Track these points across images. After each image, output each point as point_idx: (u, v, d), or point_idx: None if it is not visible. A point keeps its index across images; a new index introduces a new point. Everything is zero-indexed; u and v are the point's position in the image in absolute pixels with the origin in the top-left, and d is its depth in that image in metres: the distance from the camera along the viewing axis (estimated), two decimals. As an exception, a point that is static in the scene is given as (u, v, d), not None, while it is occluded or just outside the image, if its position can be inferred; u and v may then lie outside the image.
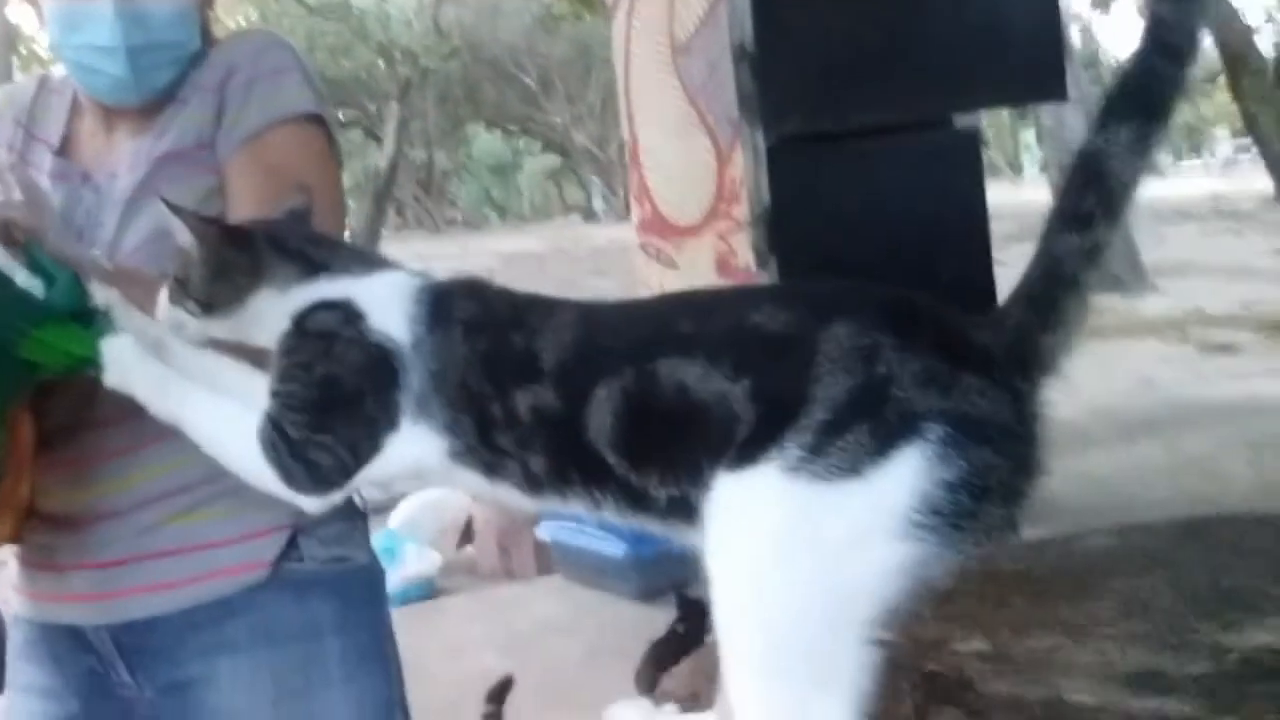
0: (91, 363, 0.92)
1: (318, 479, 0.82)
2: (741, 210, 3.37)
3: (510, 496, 0.82)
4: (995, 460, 0.71)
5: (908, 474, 0.69)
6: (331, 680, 1.10)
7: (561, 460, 0.78)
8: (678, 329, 0.77)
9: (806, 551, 0.69)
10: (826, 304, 0.76)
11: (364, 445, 0.81)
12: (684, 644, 2.34)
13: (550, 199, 34.11)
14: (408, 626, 1.20)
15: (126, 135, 1.15)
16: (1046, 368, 0.75)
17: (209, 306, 0.87)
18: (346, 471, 0.82)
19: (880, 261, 3.25)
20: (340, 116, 22.66)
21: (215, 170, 1.10)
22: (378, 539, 4.38)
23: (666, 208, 3.68)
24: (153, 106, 1.14)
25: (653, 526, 0.78)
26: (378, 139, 22.43)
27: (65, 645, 1.13)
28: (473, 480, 0.83)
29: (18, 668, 1.17)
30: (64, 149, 1.17)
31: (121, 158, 1.13)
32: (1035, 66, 3.08)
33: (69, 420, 1.08)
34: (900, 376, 0.71)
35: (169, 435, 1.06)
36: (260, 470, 0.84)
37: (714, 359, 0.74)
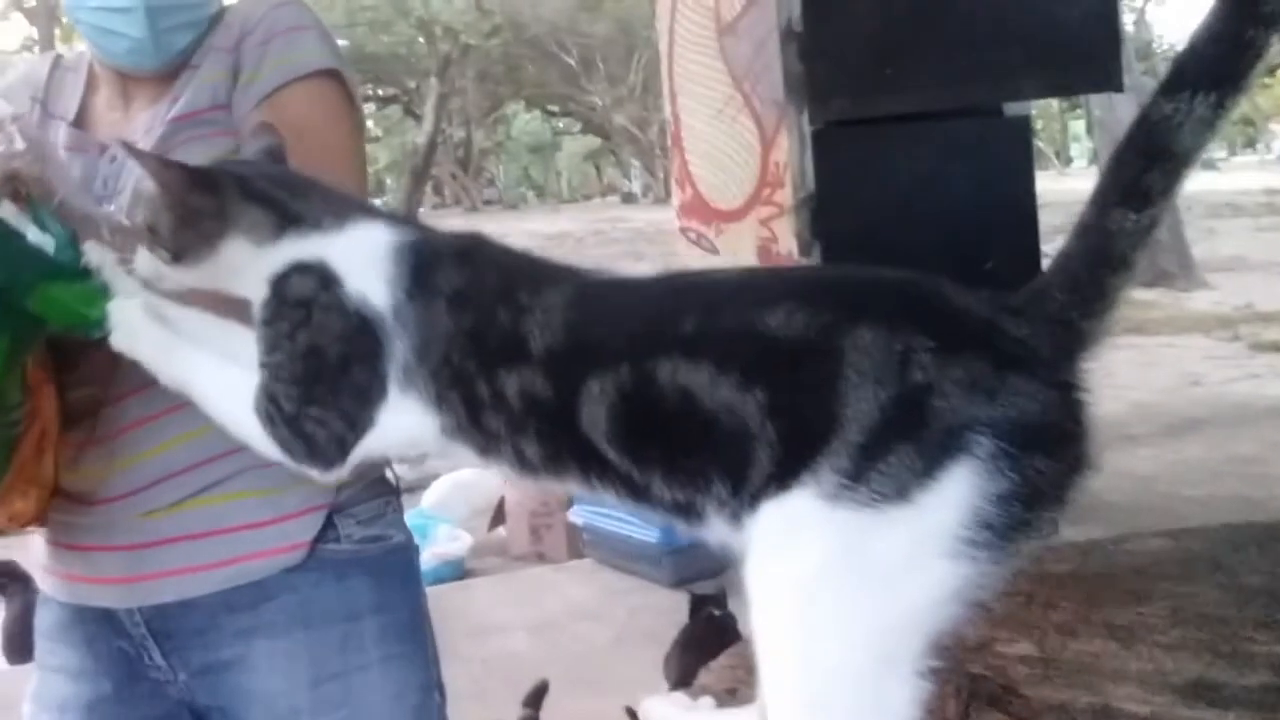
0: (99, 322, 0.91)
1: (316, 452, 0.80)
2: (785, 195, 3.35)
3: (508, 475, 0.79)
4: (1048, 465, 0.66)
5: (958, 492, 0.64)
6: (369, 661, 1.10)
7: (555, 446, 0.75)
8: (680, 325, 0.72)
9: (852, 583, 0.65)
10: (848, 301, 0.70)
11: (359, 417, 0.79)
12: (719, 637, 2.33)
13: (589, 180, 34.10)
14: (438, 606, 1.19)
15: (143, 104, 1.14)
16: (1089, 355, 0.69)
17: (179, 254, 0.84)
18: (343, 445, 0.80)
19: (925, 250, 3.21)
20: (379, 93, 22.71)
21: (232, 131, 1.09)
22: (409, 518, 4.42)
23: (708, 191, 3.66)
24: (169, 73, 1.13)
25: (655, 518, 0.75)
26: (416, 116, 22.48)
27: (96, 627, 1.12)
28: (469, 457, 0.80)
29: (47, 648, 1.17)
30: (80, 122, 1.17)
31: (138, 126, 1.13)
32: (1090, 55, 3.03)
33: (90, 397, 1.08)
34: (940, 384, 0.65)
35: (187, 407, 1.06)
36: (264, 443, 0.82)
37: (722, 365, 0.69)
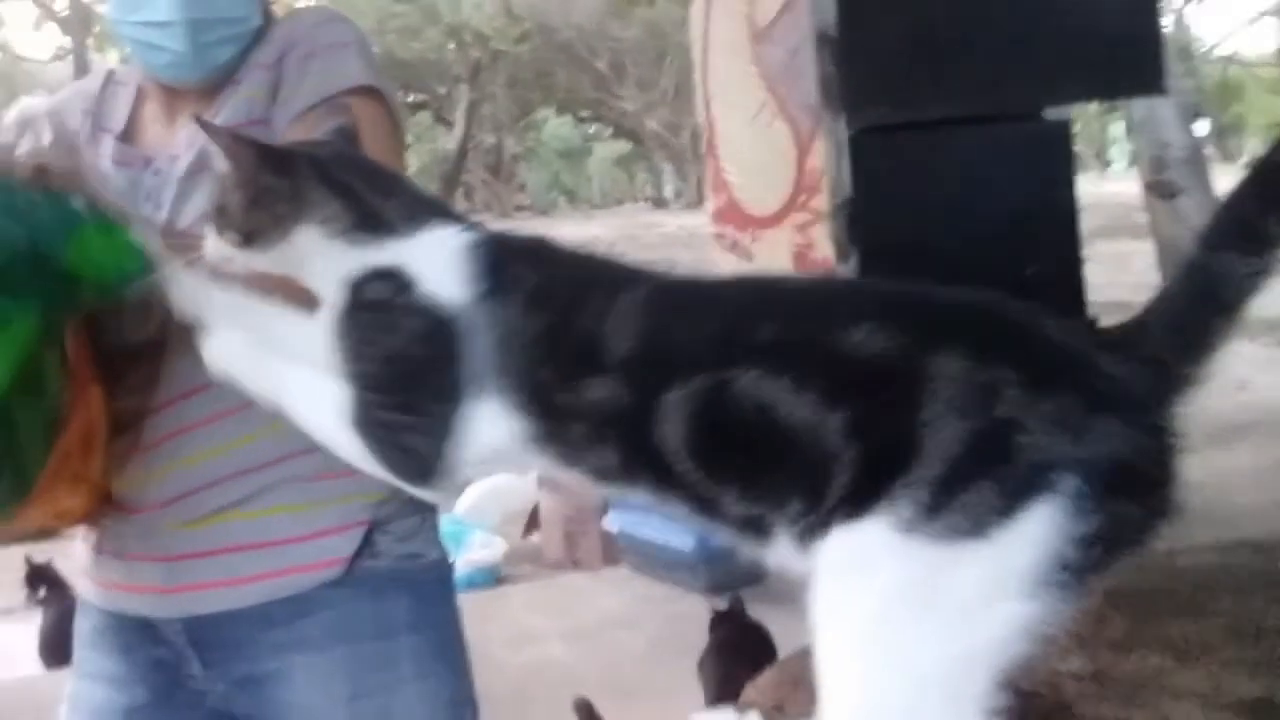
0: (139, 274, 0.91)
1: (419, 465, 0.78)
2: (821, 201, 3.33)
3: (582, 483, 0.78)
4: (1132, 509, 0.64)
5: (1038, 533, 0.62)
6: (405, 678, 1.11)
7: (632, 456, 0.73)
8: (759, 334, 0.70)
9: (921, 616, 0.63)
10: (933, 323, 0.68)
11: (452, 422, 0.76)
12: (753, 646, 2.32)
13: (620, 185, 34.11)
14: (472, 614, 1.20)
15: (187, 118, 1.15)
16: (1183, 400, 0.66)
17: (249, 237, 0.82)
18: (441, 453, 0.77)
19: (966, 256, 3.18)
20: (410, 99, 22.84)
21: None
22: (443, 524, 4.43)
23: (743, 197, 3.65)
24: (213, 87, 1.14)
25: (722, 534, 0.73)
26: (447, 122, 22.59)
27: (135, 635, 1.14)
28: (546, 466, 0.79)
29: (85, 655, 1.18)
30: (128, 136, 1.19)
31: (181, 140, 1.14)
32: (1131, 58, 2.99)
33: (137, 406, 1.09)
34: (1026, 420, 0.63)
35: (226, 415, 1.07)
36: (364, 458, 0.81)
37: (803, 381, 0.67)
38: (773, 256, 3.52)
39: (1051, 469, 0.63)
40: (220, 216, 0.84)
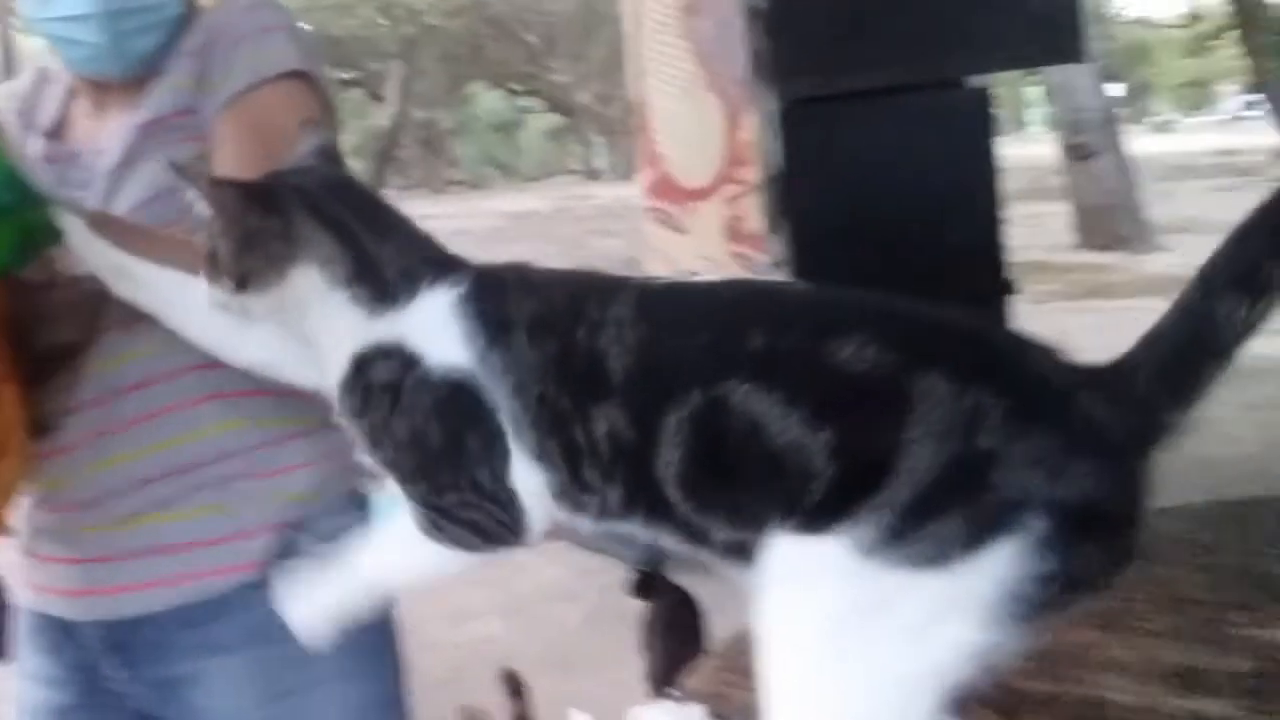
0: (45, 238, 0.88)
1: (491, 534, 0.74)
2: (752, 173, 3.32)
3: (583, 524, 0.74)
4: (1097, 553, 0.62)
5: (999, 568, 0.60)
6: (324, 679, 1.07)
7: (634, 494, 0.70)
8: (750, 342, 0.66)
9: (871, 638, 0.62)
10: (923, 341, 0.65)
11: (506, 482, 0.72)
12: (691, 621, 2.31)
13: (553, 158, 33.91)
14: (409, 593, 1.17)
15: (116, 112, 1.11)
16: (1166, 445, 0.64)
17: (243, 281, 0.77)
18: (511, 515, 0.73)
19: (893, 223, 3.20)
20: (342, 76, 22.44)
21: (200, 136, 1.06)
22: (380, 504, 4.38)
23: (676, 171, 3.62)
24: (139, 79, 1.10)
25: (708, 561, 0.70)
26: (380, 98, 22.25)
27: (60, 636, 1.11)
28: (565, 519, 0.75)
29: (25, 654, 1.16)
30: (58, 132, 1.14)
31: (110, 134, 1.09)
32: (1051, 27, 3.01)
33: (58, 406, 1.05)
34: (1006, 455, 0.60)
35: (148, 418, 1.03)
36: (444, 554, 0.76)
37: (794, 398, 0.64)
38: (705, 229, 3.51)
39: (1022, 507, 0.61)
40: (211, 265, 0.79)
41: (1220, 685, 0.85)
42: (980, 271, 3.49)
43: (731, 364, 0.66)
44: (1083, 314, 7.67)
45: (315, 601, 0.83)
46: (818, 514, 0.63)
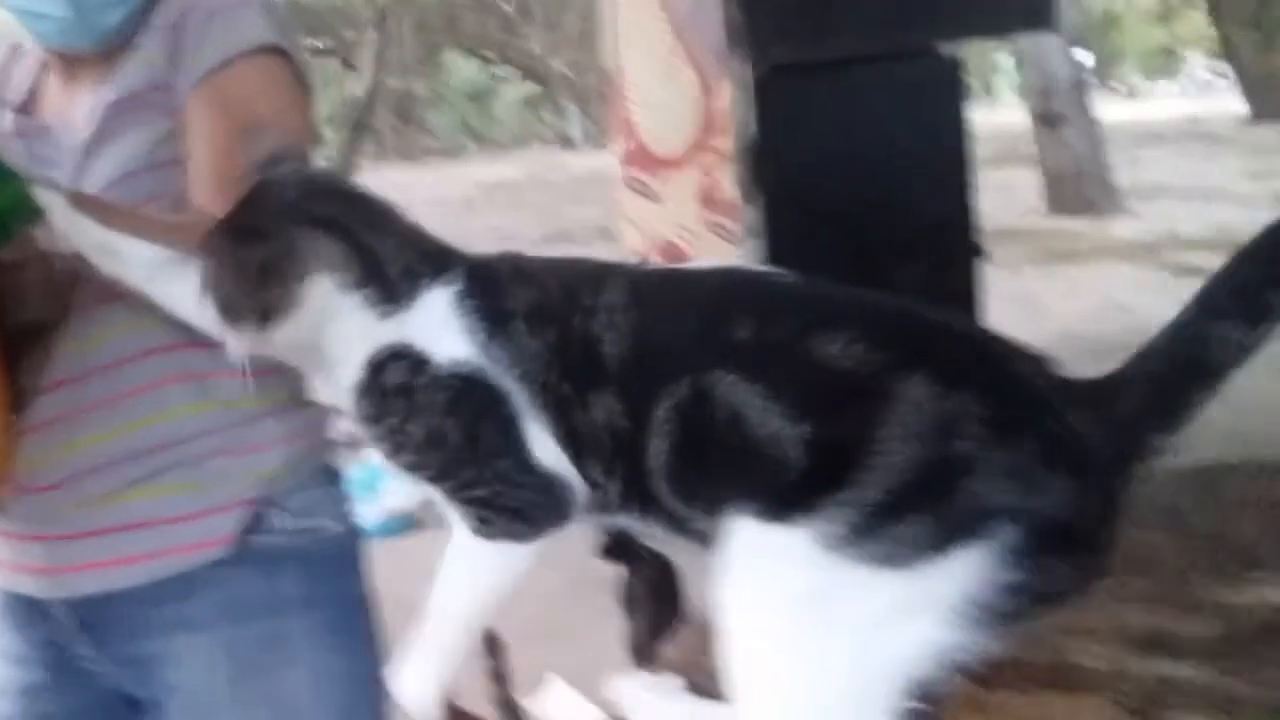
0: (22, 216, 0.86)
1: (533, 519, 0.73)
2: (726, 143, 3.30)
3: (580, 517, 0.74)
4: (1065, 568, 0.62)
5: (963, 573, 0.59)
6: (296, 657, 1.07)
7: (629, 488, 0.70)
8: (738, 332, 0.66)
9: (828, 628, 0.61)
10: (910, 342, 0.64)
11: (528, 469, 0.71)
12: (669, 590, 2.31)
13: (528, 127, 33.63)
14: (389, 560, 1.16)
15: (88, 87, 1.09)
16: (1148, 464, 0.63)
17: (266, 316, 0.74)
18: (543, 500, 0.72)
19: (866, 191, 3.19)
20: (315, 44, 22.11)
21: (172, 112, 1.04)
22: (358, 472, 4.35)
23: (651, 141, 3.59)
24: (110, 53, 1.07)
25: (692, 547, 0.70)
26: (354, 68, 21.95)
27: (29, 614, 1.10)
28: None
29: None
30: (29, 107, 1.12)
31: (80, 110, 1.07)
32: (1023, -6, 3.00)
33: (31, 384, 1.03)
34: (981, 463, 0.59)
35: (120, 399, 1.01)
36: (494, 547, 0.75)
37: (776, 390, 0.63)
38: (679, 198, 3.49)
39: (992, 516, 0.60)
40: (229, 311, 0.77)
41: (1188, 649, 0.86)
42: (951, 237, 3.49)
43: (719, 354, 0.65)
44: (1051, 279, 7.71)
45: (423, 670, 0.79)
46: (785, 503, 0.62)
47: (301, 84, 1.09)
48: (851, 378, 0.62)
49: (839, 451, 0.61)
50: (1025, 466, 0.60)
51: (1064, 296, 6.90)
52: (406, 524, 4.15)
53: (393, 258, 0.76)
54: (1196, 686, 0.78)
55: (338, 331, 0.75)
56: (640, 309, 0.70)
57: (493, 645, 2.25)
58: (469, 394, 0.72)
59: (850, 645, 0.61)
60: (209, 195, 0.99)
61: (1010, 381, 0.64)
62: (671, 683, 0.84)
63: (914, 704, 0.61)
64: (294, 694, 1.06)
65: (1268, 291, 0.60)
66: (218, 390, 1.04)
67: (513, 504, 0.73)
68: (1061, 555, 0.62)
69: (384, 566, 1.16)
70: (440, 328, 0.73)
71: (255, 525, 1.05)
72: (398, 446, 0.74)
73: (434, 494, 0.77)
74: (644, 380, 0.67)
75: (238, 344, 0.79)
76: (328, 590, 1.10)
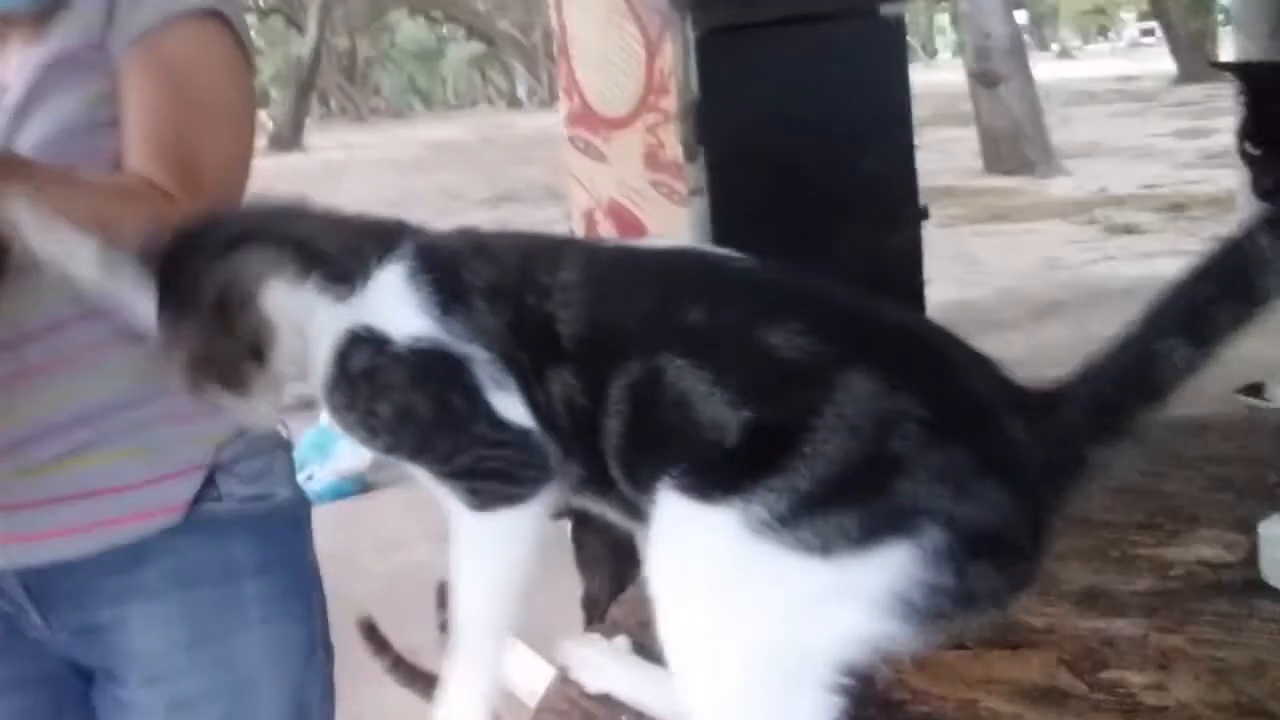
0: None
1: (521, 479, 0.70)
2: (670, 102, 3.26)
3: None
4: (992, 575, 0.61)
5: (886, 569, 0.58)
6: (249, 622, 1.05)
7: (588, 469, 0.68)
8: (687, 315, 0.64)
9: (753, 608, 0.60)
10: (859, 337, 0.62)
11: (503, 429, 0.69)
12: (625, 564, 2.30)
13: (474, 87, 33.16)
14: (339, 523, 1.14)
15: (18, 45, 1.03)
16: (1084, 481, 0.62)
17: (259, 354, 0.72)
18: (526, 458, 0.69)
19: (808, 150, 3.18)
20: (260, 4, 21.54)
21: (108, 73, 0.99)
22: (311, 435, 4.30)
23: (595, 100, 3.54)
24: (44, 12, 1.02)
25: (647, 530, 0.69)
26: (299, 27, 21.45)
27: None
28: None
29: None
30: None
31: (10, 70, 1.02)
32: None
33: None
34: (913, 464, 0.58)
35: (62, 362, 0.97)
36: (484, 515, 0.71)
37: (722, 376, 0.62)
38: (625, 158, 3.45)
39: (918, 516, 0.58)
40: (233, 387, 0.73)
41: (1125, 605, 0.86)
42: (893, 196, 3.50)
43: (670, 335, 0.64)
44: (989, 236, 7.79)
45: (466, 694, 0.74)
46: (716, 482, 0.61)
47: (242, 51, 1.04)
48: (795, 367, 0.61)
49: (775, 436, 0.60)
50: (957, 471, 0.59)
51: (1001, 254, 6.97)
52: (357, 485, 4.12)
53: (324, 238, 0.74)
54: (1134, 642, 0.78)
55: (314, 331, 0.72)
56: (595, 287, 0.68)
57: (443, 598, 2.23)
58: (431, 366, 0.69)
59: (773, 625, 0.61)
60: (142, 159, 0.95)
61: (955, 385, 0.62)
62: (621, 644, 0.83)
63: (844, 682, 0.60)
64: (247, 658, 1.05)
65: (1213, 308, 0.59)
66: None
67: (498, 465, 0.70)
68: (988, 561, 0.60)
69: (336, 529, 1.13)
70: (395, 306, 0.71)
71: (206, 492, 1.02)
72: (372, 430, 0.72)
73: (425, 481, 0.73)
74: (599, 359, 0.66)
75: (265, 406, 0.76)
76: (278, 555, 1.08)
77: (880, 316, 0.65)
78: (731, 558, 0.60)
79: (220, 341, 0.72)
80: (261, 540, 1.06)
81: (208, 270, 0.72)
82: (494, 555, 0.73)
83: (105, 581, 1.01)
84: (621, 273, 0.70)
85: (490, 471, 0.70)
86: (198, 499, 1.01)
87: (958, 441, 0.60)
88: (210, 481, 1.02)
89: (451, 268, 0.71)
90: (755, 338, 0.62)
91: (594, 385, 0.66)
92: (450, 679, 0.74)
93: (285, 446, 1.10)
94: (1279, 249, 0.58)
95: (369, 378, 0.71)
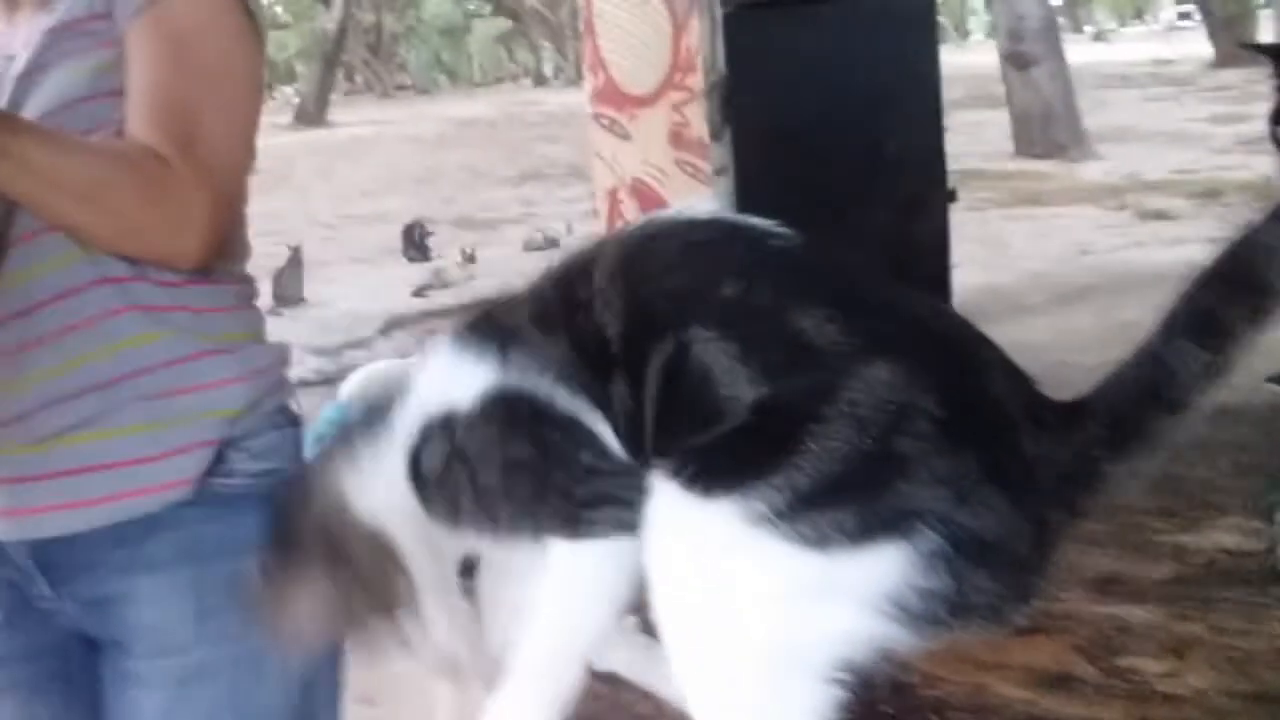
0: None
1: (631, 501, 0.66)
2: (696, 80, 3.24)
3: None
4: (989, 586, 0.59)
5: (881, 568, 0.57)
6: None
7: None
8: (721, 290, 0.63)
9: (746, 597, 0.60)
10: (886, 331, 0.61)
11: (607, 455, 0.67)
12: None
13: (500, 63, 33.10)
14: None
15: (29, 13, 1.03)
16: (1099, 497, 0.61)
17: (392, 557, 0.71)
18: (635, 480, 0.66)
19: (834, 129, 3.15)
20: (286, -24, 21.56)
21: (114, 42, 0.99)
22: (329, 410, 4.32)
23: (621, 77, 3.52)
24: None
25: None
26: (326, 1, 21.46)
27: None
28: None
29: None
30: None
31: (19, 38, 1.02)
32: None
33: None
34: (917, 465, 0.57)
35: (63, 333, 0.97)
36: (606, 552, 0.68)
37: (748, 353, 0.61)
38: (649, 136, 3.43)
39: (916, 518, 0.58)
40: (378, 599, 0.73)
41: (1141, 591, 0.86)
42: (920, 178, 3.47)
43: (702, 310, 0.63)
44: (1018, 220, 7.71)
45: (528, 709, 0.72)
46: (718, 471, 0.60)
47: (250, 20, 1.04)
48: (816, 356, 0.60)
49: (784, 421, 0.59)
50: (962, 478, 0.58)
51: (1032, 239, 6.90)
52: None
53: (360, 424, 0.74)
54: (1150, 629, 0.77)
55: (385, 477, 0.72)
56: (628, 276, 0.66)
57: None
58: (512, 409, 0.67)
59: (768, 616, 0.60)
60: (141, 124, 0.95)
61: (975, 391, 0.61)
62: (628, 623, 0.83)
63: (841, 684, 0.59)
64: (252, 634, 1.05)
65: (1225, 310, 0.58)
66: (170, 322, 1.00)
67: (611, 490, 0.68)
68: (985, 571, 0.59)
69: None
70: (450, 377, 0.69)
71: (216, 467, 1.02)
72: (489, 508, 0.69)
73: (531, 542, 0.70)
74: (640, 348, 0.64)
75: (441, 615, 0.75)
76: None
77: (916, 315, 0.64)
78: (729, 548, 0.59)
79: (346, 566, 0.71)
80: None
81: (297, 529, 0.74)
82: (597, 582, 0.70)
83: (115, 554, 1.02)
84: (655, 251, 0.68)
85: (605, 497, 0.68)
86: (208, 474, 1.01)
87: (968, 446, 0.59)
88: (220, 456, 1.02)
89: (491, 317, 0.70)
90: (785, 321, 0.61)
91: (637, 381, 0.64)
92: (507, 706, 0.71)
93: (295, 422, 1.10)
94: None
95: (459, 457, 0.68)
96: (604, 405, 0.66)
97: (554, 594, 0.70)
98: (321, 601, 0.72)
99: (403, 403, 0.71)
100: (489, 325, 0.70)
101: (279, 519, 0.76)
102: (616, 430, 0.67)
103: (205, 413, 1.02)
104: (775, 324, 0.62)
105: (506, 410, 0.67)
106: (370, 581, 0.72)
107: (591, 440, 0.67)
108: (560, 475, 0.67)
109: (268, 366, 1.07)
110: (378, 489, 0.72)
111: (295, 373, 1.15)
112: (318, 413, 1.20)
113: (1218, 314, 0.58)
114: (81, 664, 1.08)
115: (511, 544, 0.70)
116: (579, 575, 0.70)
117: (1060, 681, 0.75)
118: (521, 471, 0.68)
